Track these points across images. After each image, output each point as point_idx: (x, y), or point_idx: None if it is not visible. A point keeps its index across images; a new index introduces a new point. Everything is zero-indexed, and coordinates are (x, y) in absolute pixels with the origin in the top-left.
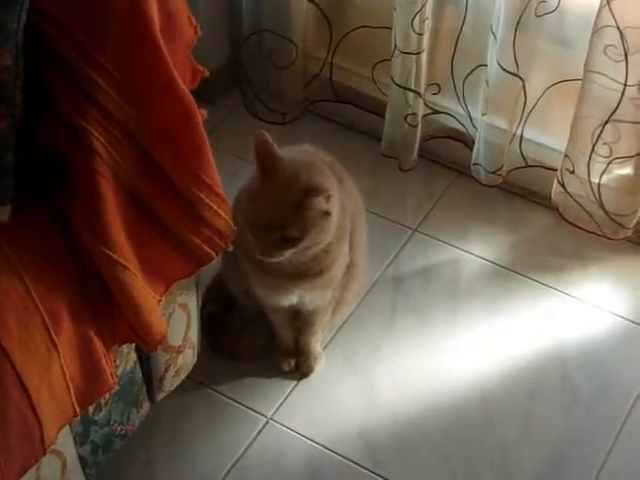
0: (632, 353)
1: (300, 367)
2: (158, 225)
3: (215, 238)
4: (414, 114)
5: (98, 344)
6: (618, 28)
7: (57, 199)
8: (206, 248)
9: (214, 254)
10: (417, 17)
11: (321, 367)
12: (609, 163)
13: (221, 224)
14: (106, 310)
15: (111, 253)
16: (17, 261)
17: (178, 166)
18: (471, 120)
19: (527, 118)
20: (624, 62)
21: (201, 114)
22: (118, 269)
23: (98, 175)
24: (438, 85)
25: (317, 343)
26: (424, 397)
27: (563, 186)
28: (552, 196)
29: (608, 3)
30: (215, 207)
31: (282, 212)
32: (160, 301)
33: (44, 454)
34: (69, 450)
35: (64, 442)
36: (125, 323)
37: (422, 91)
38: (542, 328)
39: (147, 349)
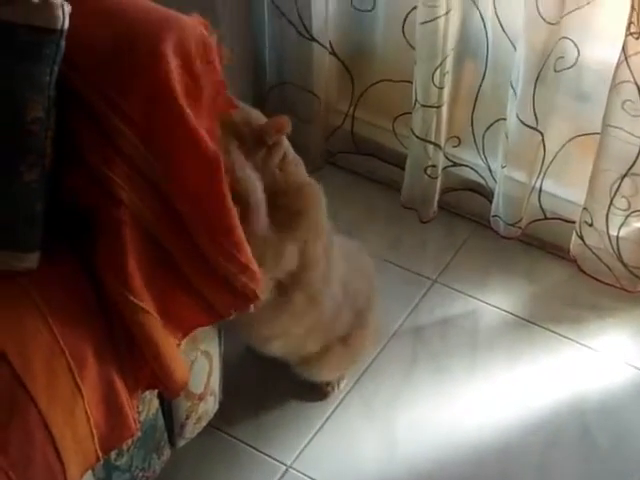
0: None
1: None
2: (180, 277)
3: (239, 301)
4: (434, 166)
5: (122, 390)
6: (636, 84)
7: (83, 245)
8: (228, 307)
9: (235, 313)
10: (437, 71)
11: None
12: (627, 216)
13: (247, 290)
14: (130, 356)
15: (133, 298)
16: (44, 306)
17: (201, 225)
18: (491, 173)
19: (546, 171)
20: None
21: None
22: (140, 314)
23: (122, 223)
24: (458, 138)
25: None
26: (443, 447)
27: (582, 238)
28: (570, 248)
29: (626, 59)
30: (244, 278)
31: None
32: (179, 345)
33: None
34: None
35: None
36: (148, 369)
37: (442, 144)
38: (560, 379)
39: (169, 395)
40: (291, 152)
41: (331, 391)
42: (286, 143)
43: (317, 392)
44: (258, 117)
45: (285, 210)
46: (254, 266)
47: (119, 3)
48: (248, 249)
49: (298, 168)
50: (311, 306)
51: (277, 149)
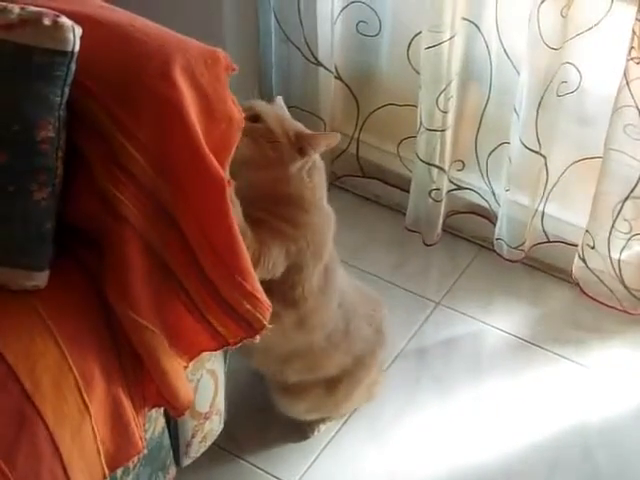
0: None
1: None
2: (187, 301)
3: (244, 329)
4: (438, 190)
5: (128, 407)
6: (637, 108)
7: (91, 264)
8: (233, 335)
9: (239, 341)
10: (442, 95)
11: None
12: (629, 239)
13: (252, 318)
14: (136, 374)
15: (140, 318)
16: (53, 324)
17: (206, 249)
18: (494, 196)
19: (549, 194)
20: None
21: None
22: (146, 333)
23: (128, 243)
24: (462, 162)
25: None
26: (446, 469)
27: (584, 261)
28: (573, 271)
29: (627, 84)
30: (249, 306)
31: None
32: (186, 367)
33: None
34: None
35: None
36: (154, 387)
37: (446, 167)
38: (563, 401)
39: (174, 414)
40: (319, 160)
41: (310, 433)
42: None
43: (298, 432)
44: (292, 124)
45: (291, 219)
46: (260, 295)
47: (127, 26)
48: (255, 277)
49: (322, 178)
50: (301, 330)
51: (312, 158)
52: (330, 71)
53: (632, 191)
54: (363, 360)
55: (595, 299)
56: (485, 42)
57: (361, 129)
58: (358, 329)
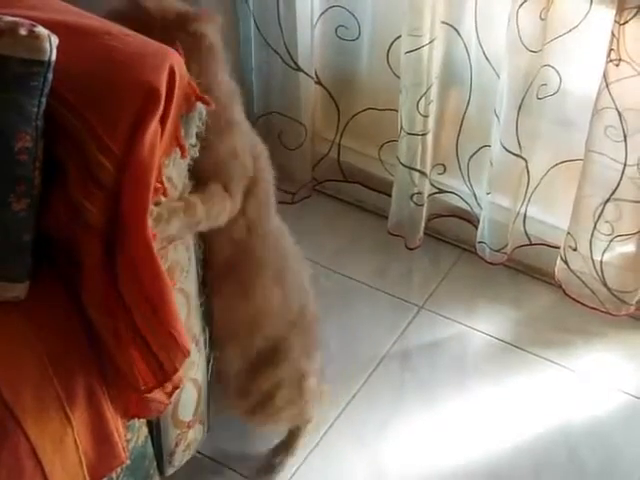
0: (637, 429)
1: None
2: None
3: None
4: (420, 193)
5: (111, 418)
6: (617, 110)
7: (71, 275)
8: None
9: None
10: (422, 100)
11: None
12: (611, 241)
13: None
14: (118, 385)
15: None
16: (33, 335)
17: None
18: (476, 199)
19: (530, 197)
20: (623, 142)
21: None
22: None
23: (101, 254)
24: (443, 165)
25: None
26: (432, 473)
27: (566, 263)
28: (555, 273)
29: (607, 86)
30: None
31: None
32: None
33: None
34: None
35: None
36: (136, 398)
37: (428, 171)
38: (548, 403)
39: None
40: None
41: (277, 465)
42: (219, 49)
43: (265, 468)
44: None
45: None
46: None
47: (104, 34)
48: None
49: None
50: (251, 235)
51: (203, 40)
52: (310, 76)
53: (613, 193)
54: (303, 312)
55: (578, 301)
56: (465, 45)
57: (342, 134)
58: (294, 271)
